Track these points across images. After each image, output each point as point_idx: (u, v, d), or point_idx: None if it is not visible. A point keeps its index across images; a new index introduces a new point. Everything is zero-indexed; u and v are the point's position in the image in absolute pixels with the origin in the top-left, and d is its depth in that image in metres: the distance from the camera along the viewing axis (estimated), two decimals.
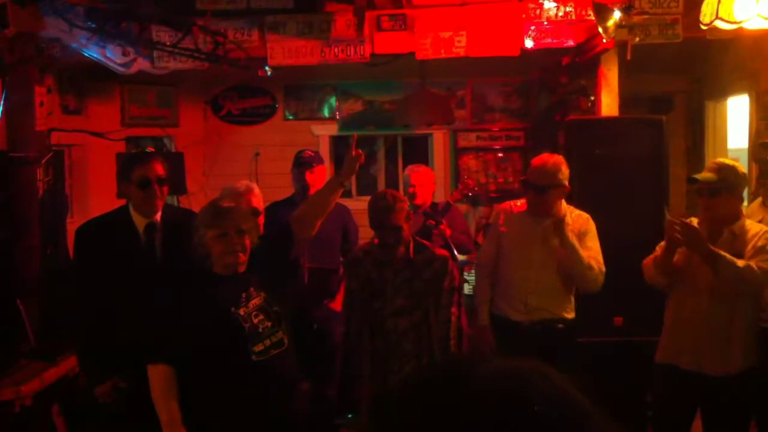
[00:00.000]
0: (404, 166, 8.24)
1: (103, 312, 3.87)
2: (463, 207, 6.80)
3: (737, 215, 3.99)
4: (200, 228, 3.50)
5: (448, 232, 5.25)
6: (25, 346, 4.80)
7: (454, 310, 4.30)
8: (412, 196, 5.75)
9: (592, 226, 4.48)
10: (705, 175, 3.97)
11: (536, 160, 4.48)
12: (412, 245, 4.24)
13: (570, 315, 4.50)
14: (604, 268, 4.41)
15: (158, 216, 4.01)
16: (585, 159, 5.26)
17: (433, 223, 5.22)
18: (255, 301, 3.50)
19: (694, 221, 3.99)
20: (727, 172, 3.91)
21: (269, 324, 3.48)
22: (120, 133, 7.28)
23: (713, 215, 3.96)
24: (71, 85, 6.82)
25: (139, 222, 4.02)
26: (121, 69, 5.64)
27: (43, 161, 5.57)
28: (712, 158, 6.70)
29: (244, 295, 3.49)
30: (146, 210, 3.99)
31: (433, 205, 5.85)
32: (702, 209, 4.02)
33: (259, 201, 4.07)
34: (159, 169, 3.99)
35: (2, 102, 5.42)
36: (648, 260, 4.15)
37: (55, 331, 5.06)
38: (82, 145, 6.96)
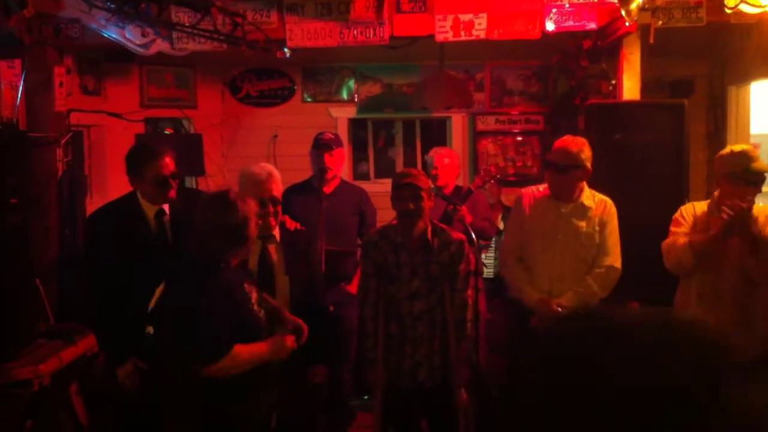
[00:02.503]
0: (423, 150, 8.23)
1: (118, 297, 3.88)
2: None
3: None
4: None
5: (468, 218, 5.22)
6: (44, 326, 4.83)
7: (470, 293, 4.29)
8: (434, 178, 5.73)
9: (612, 216, 4.46)
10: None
11: (559, 141, 4.49)
12: (430, 228, 4.22)
13: None
14: (619, 265, 4.40)
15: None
16: (605, 143, 5.22)
17: (452, 207, 5.19)
18: (254, 296, 3.53)
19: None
20: None
21: (267, 319, 3.53)
22: (139, 114, 7.29)
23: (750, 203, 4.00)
24: (90, 66, 6.82)
25: (149, 209, 4.03)
26: (139, 50, 5.63)
27: (63, 142, 5.60)
28: (734, 143, 6.63)
29: (246, 286, 3.51)
30: (158, 201, 4.01)
31: (457, 188, 5.82)
32: (745, 198, 4.01)
33: (279, 187, 4.06)
34: (171, 163, 3.99)
35: (22, 82, 5.43)
36: (668, 243, 4.13)
37: (74, 311, 5.10)
38: (101, 126, 6.98)
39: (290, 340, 3.56)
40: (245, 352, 3.36)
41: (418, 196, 4.09)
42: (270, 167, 4.15)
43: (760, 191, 4.04)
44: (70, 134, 5.80)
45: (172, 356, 3.33)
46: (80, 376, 4.78)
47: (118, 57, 6.66)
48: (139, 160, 3.99)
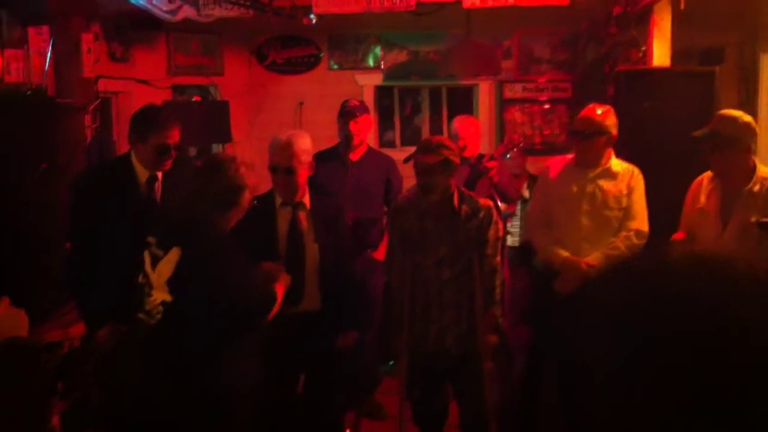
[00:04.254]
0: (449, 117, 8.19)
1: (99, 259, 3.83)
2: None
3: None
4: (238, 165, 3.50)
5: (496, 178, 5.21)
6: None
7: (499, 259, 4.29)
8: (460, 149, 5.71)
9: (639, 182, 4.45)
10: None
11: (585, 109, 4.49)
12: (456, 195, 4.22)
13: None
14: (646, 229, 4.39)
15: None
16: (634, 111, 5.18)
17: (486, 166, 5.17)
18: None
19: None
20: None
21: None
22: (166, 81, 7.32)
23: None
24: (117, 33, 6.84)
25: (141, 173, 3.99)
26: (166, 16, 5.64)
27: (91, 108, 5.63)
28: (767, 113, 6.55)
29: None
30: (154, 168, 3.99)
31: (480, 156, 5.80)
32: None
33: (301, 156, 4.06)
34: (177, 134, 3.97)
35: (50, 49, 5.46)
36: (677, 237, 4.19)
37: None
38: (129, 93, 7.01)
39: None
40: (280, 294, 3.53)
41: (431, 170, 4.08)
42: (295, 135, 4.14)
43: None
44: (99, 101, 5.83)
45: (220, 316, 3.34)
46: None
47: (145, 24, 6.67)
48: (146, 124, 3.94)
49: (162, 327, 3.30)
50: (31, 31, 5.47)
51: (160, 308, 3.32)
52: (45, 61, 5.47)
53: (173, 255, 3.33)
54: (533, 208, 4.78)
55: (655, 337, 0.76)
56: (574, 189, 4.45)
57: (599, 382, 0.80)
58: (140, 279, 3.41)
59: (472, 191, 4.57)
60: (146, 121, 3.95)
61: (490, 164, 5.27)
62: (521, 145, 5.99)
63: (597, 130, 4.38)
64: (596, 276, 4.28)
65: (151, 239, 3.41)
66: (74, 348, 4.31)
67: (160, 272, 3.33)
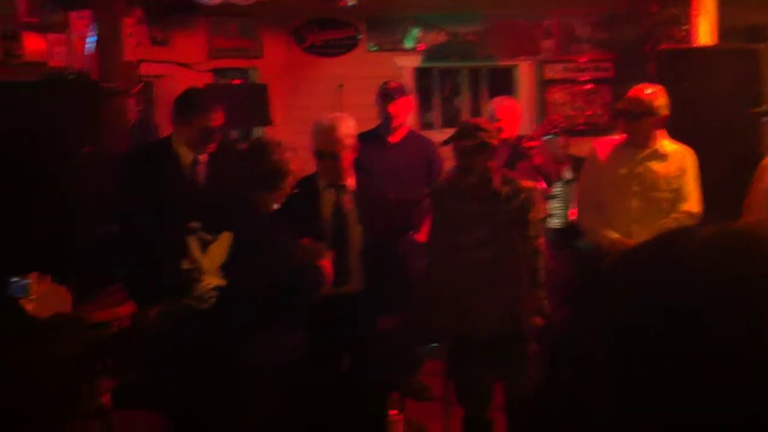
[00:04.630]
0: (489, 98, 8.13)
1: (145, 241, 3.85)
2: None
3: None
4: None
5: (537, 160, 5.18)
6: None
7: (541, 241, 4.27)
8: (498, 131, 5.67)
9: (691, 163, 4.41)
10: None
11: (633, 89, 4.45)
12: (496, 176, 4.20)
13: None
14: (698, 210, 4.35)
15: None
16: (677, 91, 5.09)
17: (525, 146, 5.14)
18: None
19: None
20: None
21: None
22: (206, 64, 7.35)
23: None
24: (158, 17, 6.89)
25: (185, 155, 4.02)
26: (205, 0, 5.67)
27: (134, 92, 5.68)
28: None
29: None
30: (198, 150, 4.00)
31: (520, 138, 5.76)
32: None
33: (344, 139, 4.06)
34: (220, 117, 3.98)
35: (92, 33, 5.52)
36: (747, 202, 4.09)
37: None
38: (170, 77, 7.05)
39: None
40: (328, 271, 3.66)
41: (468, 153, 4.06)
42: (338, 119, 4.15)
43: None
44: (141, 84, 5.88)
45: (267, 295, 3.37)
46: None
47: (185, 7, 6.71)
48: (190, 106, 3.97)
49: (213, 308, 3.33)
50: (73, 15, 5.53)
51: (213, 293, 3.34)
52: (87, 45, 5.53)
53: (224, 240, 3.35)
54: (581, 189, 4.75)
55: (667, 309, 0.71)
56: (624, 170, 4.42)
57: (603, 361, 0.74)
58: (186, 264, 3.43)
59: (513, 172, 4.54)
60: (190, 103, 3.98)
61: (530, 145, 5.23)
62: (562, 125, 5.93)
63: (646, 110, 4.35)
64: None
65: (194, 224, 3.43)
66: (123, 327, 4.37)
67: (212, 257, 3.35)
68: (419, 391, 5.33)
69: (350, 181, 4.16)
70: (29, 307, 3.92)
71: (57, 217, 4.77)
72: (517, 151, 5.45)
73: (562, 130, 6.34)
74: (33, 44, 5.40)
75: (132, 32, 5.79)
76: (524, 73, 8.21)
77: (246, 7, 5.97)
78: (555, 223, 6.30)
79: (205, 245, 3.39)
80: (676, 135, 4.57)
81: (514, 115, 5.81)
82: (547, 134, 5.79)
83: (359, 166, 4.45)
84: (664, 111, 4.36)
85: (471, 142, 4.03)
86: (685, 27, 6.13)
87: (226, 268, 3.34)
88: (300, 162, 3.66)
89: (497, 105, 5.84)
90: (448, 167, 5.11)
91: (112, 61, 5.66)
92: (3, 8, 5.25)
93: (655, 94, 4.37)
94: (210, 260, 3.36)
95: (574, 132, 7.44)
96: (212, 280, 3.38)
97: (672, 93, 4.92)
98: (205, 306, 3.37)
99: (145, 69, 6.15)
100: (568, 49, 8.13)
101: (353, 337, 4.14)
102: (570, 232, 5.10)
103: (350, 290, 4.07)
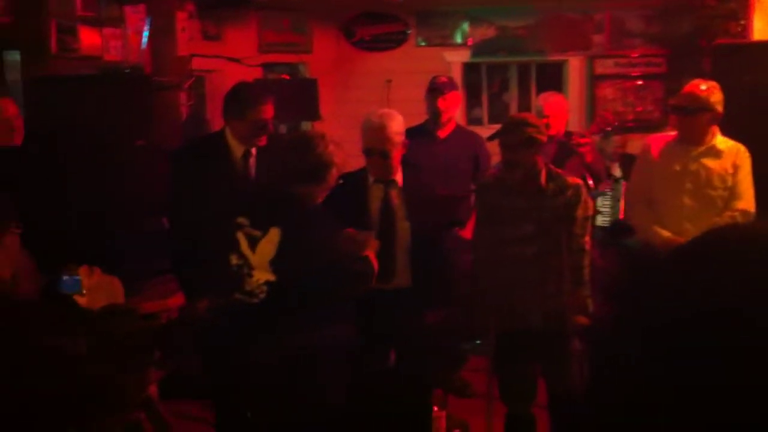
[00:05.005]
0: (537, 94, 8.07)
1: (197, 234, 3.87)
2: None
3: None
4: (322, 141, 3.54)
5: (588, 157, 5.13)
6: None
7: (588, 239, 4.23)
8: (546, 127, 5.62)
9: (746, 160, 4.34)
10: None
11: (688, 85, 4.40)
12: (544, 172, 4.17)
13: None
14: (753, 209, 4.27)
15: None
16: (733, 87, 5.01)
17: (577, 142, 5.10)
18: None
19: None
20: None
21: None
22: (257, 59, 7.42)
23: None
24: (209, 12, 6.97)
25: (237, 149, 4.07)
26: None
27: (186, 86, 5.77)
28: None
29: None
30: (250, 143, 4.05)
31: (568, 134, 5.71)
32: None
33: (393, 137, 4.07)
34: (271, 110, 4.02)
35: (146, 28, 5.61)
36: None
37: None
38: (222, 72, 7.14)
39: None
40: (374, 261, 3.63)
41: (514, 148, 4.03)
42: (387, 116, 4.15)
43: None
44: (193, 78, 5.97)
45: (316, 288, 3.41)
46: None
47: (236, 1, 6.78)
48: (242, 100, 4.01)
49: (264, 303, 3.37)
50: (128, 9, 5.63)
51: (264, 288, 3.38)
52: (141, 40, 5.63)
53: (274, 235, 3.38)
54: (633, 186, 4.70)
55: (714, 307, 0.71)
56: (677, 167, 4.36)
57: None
58: (235, 260, 3.47)
59: (561, 169, 4.50)
60: (243, 97, 4.04)
61: (582, 141, 5.17)
62: (615, 124, 5.87)
63: (701, 106, 4.29)
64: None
65: (242, 220, 3.47)
66: (172, 319, 4.45)
67: (262, 252, 3.38)
68: (462, 387, 5.33)
69: (398, 176, 4.17)
70: (82, 301, 4.01)
71: (107, 209, 4.87)
72: (565, 148, 5.40)
73: (616, 128, 6.28)
74: (89, 38, 5.50)
75: (185, 27, 5.87)
76: (574, 68, 8.13)
77: (297, 2, 6.01)
78: (604, 221, 6.26)
79: (252, 241, 3.42)
80: (731, 132, 4.50)
81: (561, 110, 5.75)
82: (601, 132, 5.75)
83: (407, 162, 4.46)
84: (720, 107, 4.30)
85: (518, 137, 4.00)
86: (742, 22, 6.02)
87: (275, 263, 3.37)
88: (344, 155, 3.67)
89: (545, 100, 5.79)
90: (496, 162, 5.10)
91: (165, 56, 5.76)
92: (60, 3, 5.36)
93: (710, 90, 4.31)
94: (259, 256, 3.39)
95: (625, 129, 7.37)
96: (262, 276, 3.40)
97: (727, 89, 4.85)
98: (255, 301, 3.40)
99: (196, 63, 6.24)
100: (619, 44, 8.03)
101: (399, 333, 4.15)
102: (618, 230, 5.04)
103: (397, 286, 4.08)
